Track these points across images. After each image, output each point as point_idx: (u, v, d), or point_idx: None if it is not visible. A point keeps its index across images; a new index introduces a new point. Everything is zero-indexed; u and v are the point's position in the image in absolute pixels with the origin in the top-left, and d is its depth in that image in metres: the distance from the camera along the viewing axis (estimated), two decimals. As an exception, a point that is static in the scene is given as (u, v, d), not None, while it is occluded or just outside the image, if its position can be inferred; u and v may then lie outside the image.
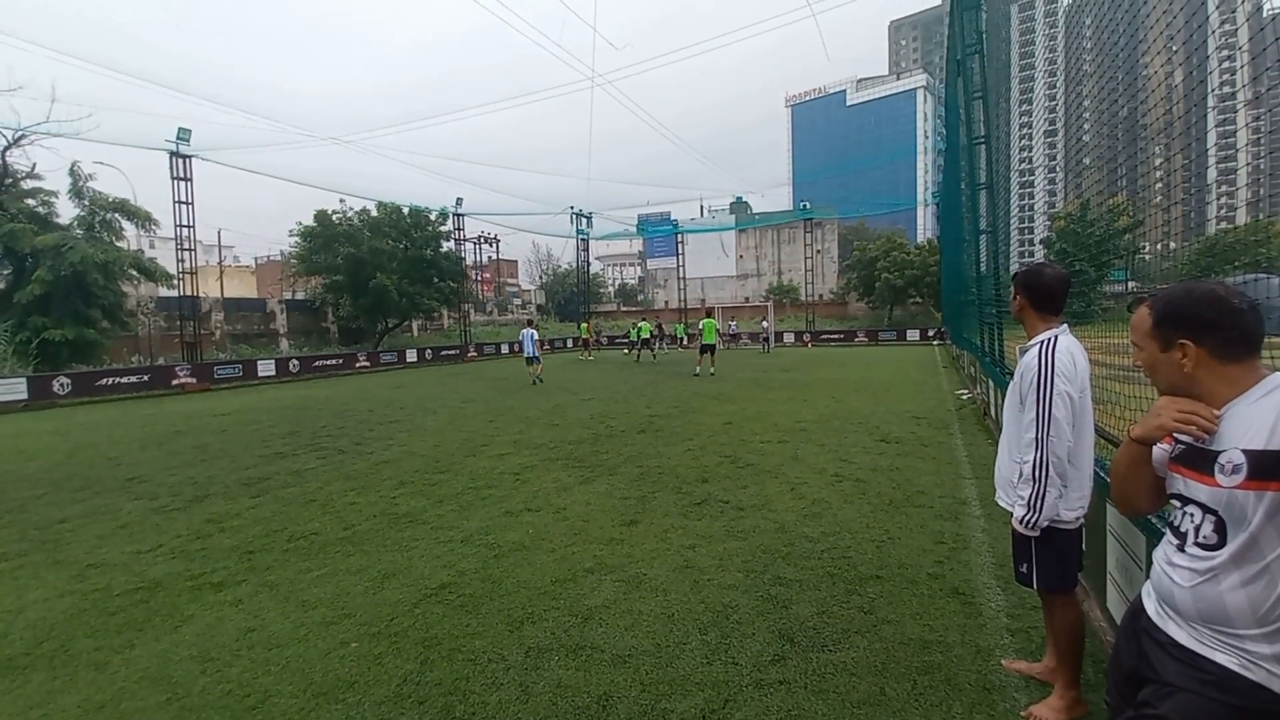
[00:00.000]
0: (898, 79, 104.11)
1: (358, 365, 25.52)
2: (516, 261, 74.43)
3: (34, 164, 20.44)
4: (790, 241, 57.66)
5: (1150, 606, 1.39)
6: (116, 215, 21.33)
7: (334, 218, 29.32)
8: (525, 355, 16.74)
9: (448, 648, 3.07)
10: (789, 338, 36.04)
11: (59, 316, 18.96)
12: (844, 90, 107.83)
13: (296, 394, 17.14)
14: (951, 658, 2.80)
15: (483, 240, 54.34)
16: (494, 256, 60.34)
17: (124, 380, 18.34)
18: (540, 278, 67.06)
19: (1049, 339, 2.25)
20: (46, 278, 18.32)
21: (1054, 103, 6.63)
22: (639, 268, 79.98)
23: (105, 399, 17.47)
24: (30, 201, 19.99)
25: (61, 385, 16.85)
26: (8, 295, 19.00)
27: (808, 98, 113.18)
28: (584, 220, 41.72)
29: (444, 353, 30.60)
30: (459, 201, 33.02)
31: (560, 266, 62.21)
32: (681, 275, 46.50)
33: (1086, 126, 5.09)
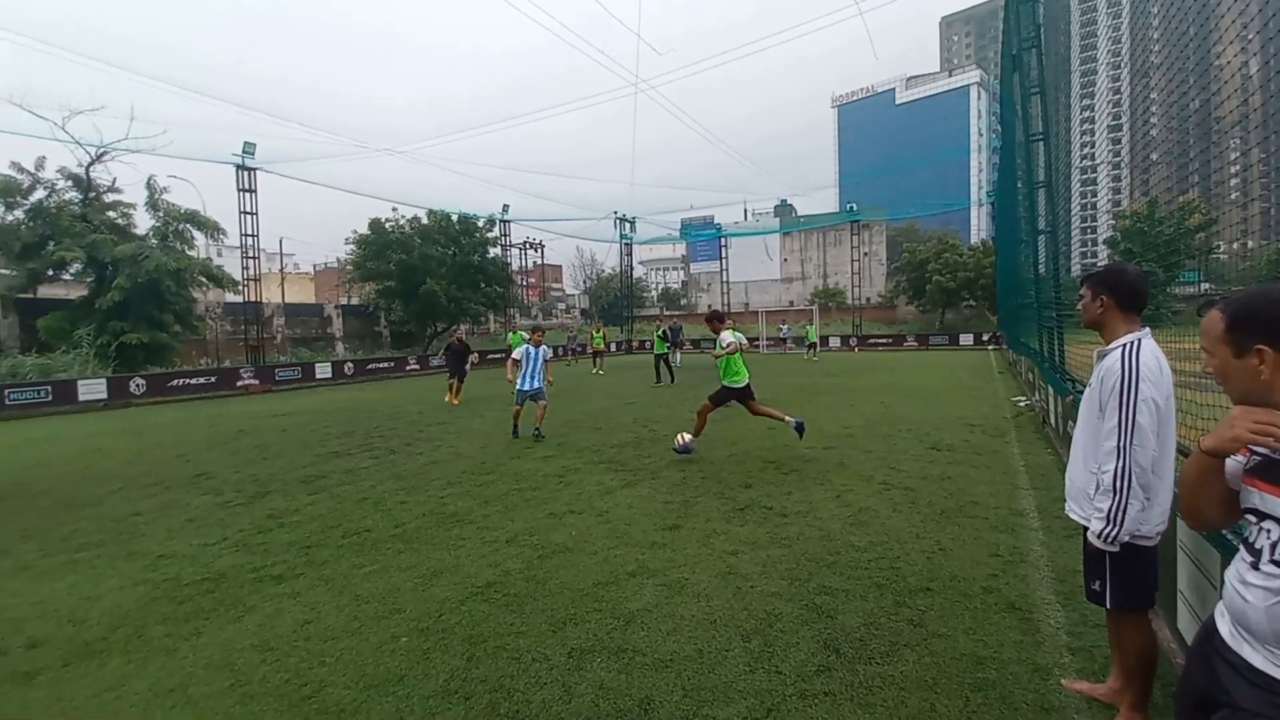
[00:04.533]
0: (950, 75, 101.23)
1: (408, 368, 26.30)
2: (561, 266, 75.42)
3: (114, 178, 21.89)
4: (836, 244, 56.65)
5: (1223, 627, 1.31)
6: (188, 225, 22.62)
7: (387, 225, 30.34)
8: (522, 388, 9.12)
9: (493, 645, 3.13)
10: (834, 342, 35.35)
11: (135, 321, 20.19)
12: (893, 89, 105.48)
13: (351, 396, 17.79)
14: (1007, 675, 2.69)
15: (528, 246, 55.26)
16: (539, 261, 61.29)
17: (193, 382, 19.41)
18: (584, 282, 67.72)
19: (1132, 342, 2.13)
20: (125, 285, 19.55)
21: (1118, 96, 6.33)
22: (682, 272, 79.91)
23: (176, 399, 18.50)
24: (111, 214, 21.39)
25: (137, 386, 17.95)
26: (90, 301, 20.35)
27: (855, 98, 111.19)
28: (627, 225, 42.01)
29: (490, 356, 31.21)
30: (505, 208, 33.77)
31: (604, 271, 62.72)
32: (724, 279, 46.24)
33: (1154, 120, 4.84)
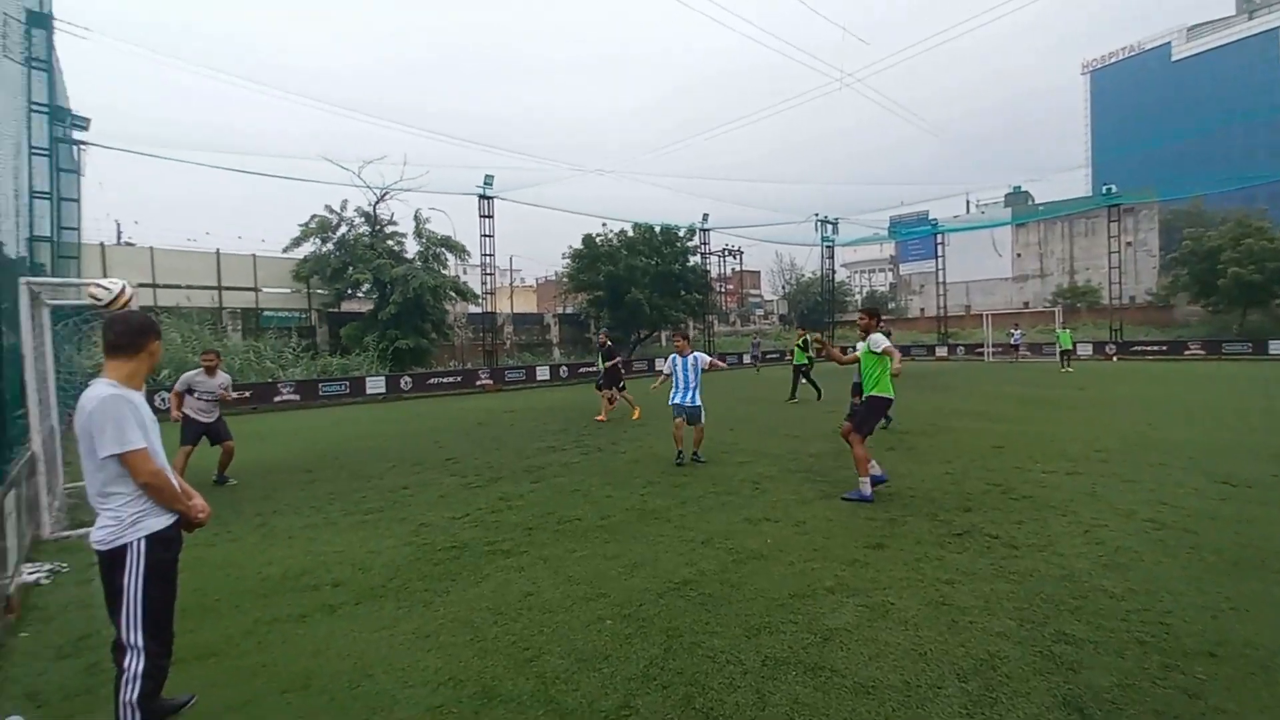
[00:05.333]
0: (1250, 18, 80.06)
1: (613, 372, 28.16)
2: (759, 272, 74.74)
3: (392, 213, 26.83)
4: (1088, 234, 48.18)
5: None
6: (442, 249, 26.88)
7: (597, 240, 32.85)
8: (675, 401, 7.98)
9: (688, 641, 3.24)
10: (1084, 349, 29.99)
11: (405, 330, 24.50)
12: (1168, 43, 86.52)
13: (565, 396, 19.56)
14: (1336, 781, 2.09)
15: (727, 253, 55.77)
16: (737, 268, 61.48)
17: (444, 380, 23.01)
18: (783, 288, 66.30)
19: None
20: (398, 300, 23.85)
21: None
22: (890, 273, 74.25)
23: (431, 395, 22.01)
24: (390, 242, 26.26)
25: (405, 383, 21.76)
26: (375, 314, 25.18)
27: (1115, 59, 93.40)
28: (829, 226, 40.26)
29: (751, 357, 32.10)
30: (705, 217, 34.49)
31: (804, 275, 60.76)
32: (940, 279, 41.91)
33: None
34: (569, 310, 38.32)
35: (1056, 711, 2.52)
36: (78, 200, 14.73)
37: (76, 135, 15.71)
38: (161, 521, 2.47)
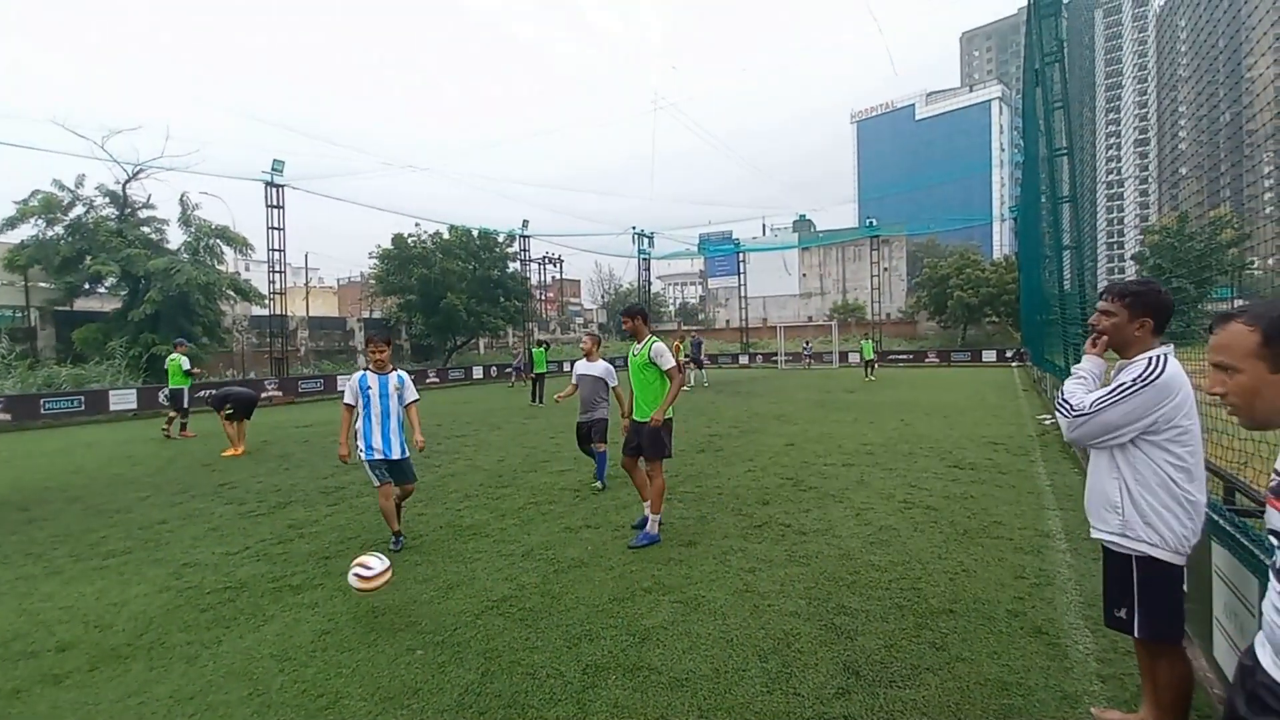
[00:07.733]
0: (970, 91, 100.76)
1: (428, 381, 26.52)
2: (579, 281, 75.89)
3: (149, 195, 22.61)
4: (856, 259, 56.30)
5: (1265, 658, 1.26)
6: (218, 240, 23.21)
7: (410, 241, 30.84)
8: (367, 455, 4.83)
9: (508, 660, 3.11)
10: (853, 358, 34.98)
11: (166, 333, 20.65)
12: (913, 104, 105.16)
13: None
14: (1033, 702, 2.61)
15: (547, 261, 55.77)
16: (557, 276, 61.77)
17: (218, 392, 19.75)
18: (602, 297, 68.10)
19: (1159, 356, 2.10)
20: (157, 298, 20.08)
21: (1145, 110, 6.26)
22: (700, 287, 79.97)
23: (203, 410, 18.84)
24: (145, 229, 22.05)
25: (165, 396, 18.32)
26: (123, 314, 20.92)
27: (875, 113, 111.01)
28: (645, 240, 42.25)
29: (508, 370, 31.44)
30: (525, 223, 34.14)
31: (622, 285, 63.06)
32: (743, 294, 46.17)
33: (1183, 134, 4.77)
34: (377, 314, 35.43)
35: (839, 677, 2.84)
36: None
37: None
38: None
